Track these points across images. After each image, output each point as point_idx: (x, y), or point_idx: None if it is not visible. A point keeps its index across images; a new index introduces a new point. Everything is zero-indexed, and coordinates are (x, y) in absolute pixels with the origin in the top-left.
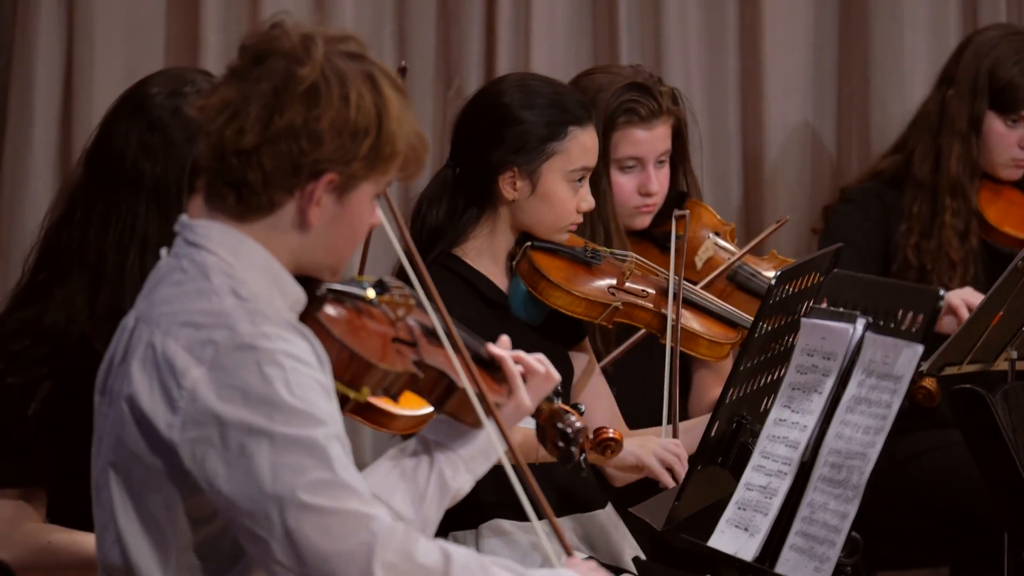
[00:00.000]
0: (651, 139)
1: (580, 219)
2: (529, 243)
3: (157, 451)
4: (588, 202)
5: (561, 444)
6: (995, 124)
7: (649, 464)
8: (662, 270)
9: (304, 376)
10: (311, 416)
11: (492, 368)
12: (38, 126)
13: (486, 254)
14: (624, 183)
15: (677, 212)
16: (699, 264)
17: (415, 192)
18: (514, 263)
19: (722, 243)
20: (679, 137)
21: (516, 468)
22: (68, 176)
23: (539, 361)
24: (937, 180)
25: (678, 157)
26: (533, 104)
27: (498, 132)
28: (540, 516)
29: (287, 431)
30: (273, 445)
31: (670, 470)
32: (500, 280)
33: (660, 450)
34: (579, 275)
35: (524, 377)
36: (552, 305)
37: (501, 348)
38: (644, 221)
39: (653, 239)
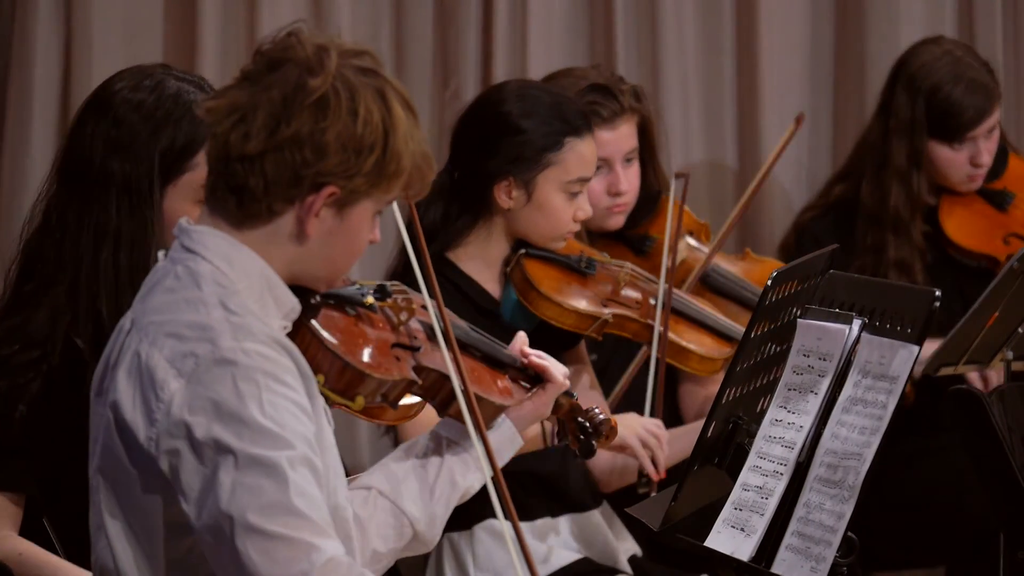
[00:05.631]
0: (615, 139)
1: (577, 227)
2: (523, 251)
3: (137, 461)
4: (585, 211)
5: (582, 437)
6: (941, 151)
7: (632, 444)
8: (654, 278)
9: (279, 396)
10: (279, 438)
11: (525, 372)
12: (36, 128)
13: (480, 260)
14: (593, 185)
15: (678, 172)
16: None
17: None
18: (508, 270)
19: (694, 243)
20: (645, 134)
21: (494, 479)
22: (43, 188)
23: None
24: (882, 214)
25: (646, 155)
26: (532, 113)
27: (495, 141)
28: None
29: (252, 451)
30: (237, 463)
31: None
32: (492, 286)
33: (643, 431)
34: (571, 286)
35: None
36: (541, 316)
37: (529, 351)
38: (618, 221)
39: (626, 241)
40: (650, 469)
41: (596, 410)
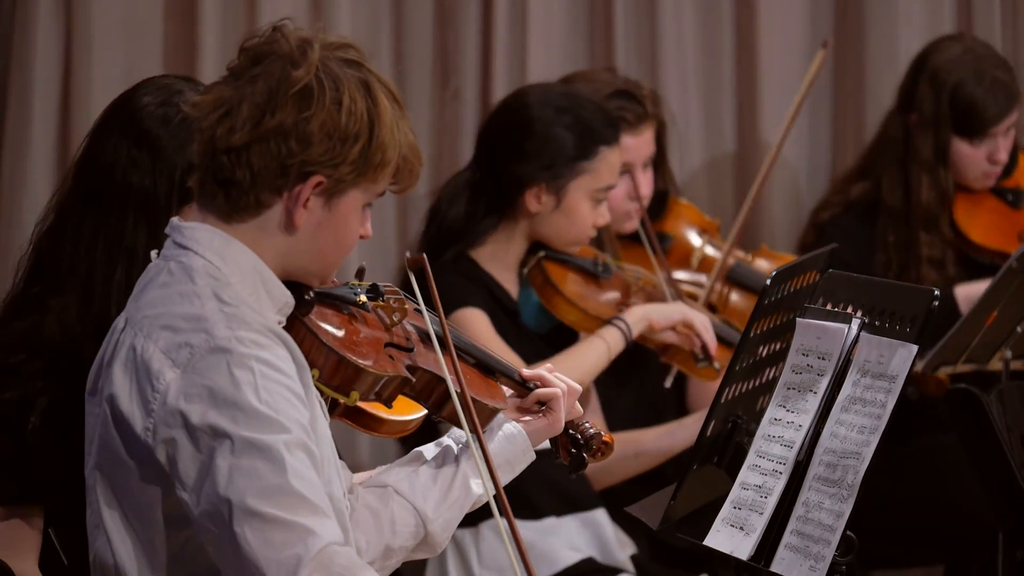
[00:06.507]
0: (639, 144)
1: (594, 234)
2: (543, 253)
3: (135, 453)
4: (605, 217)
5: (574, 451)
6: (961, 147)
7: (694, 319)
8: (666, 285)
9: (274, 382)
10: (275, 422)
11: (524, 386)
12: (36, 128)
13: (499, 261)
14: (615, 189)
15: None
16: (695, 264)
17: (415, 195)
18: (526, 272)
19: (712, 242)
20: (659, 139)
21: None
22: (59, 186)
23: (561, 378)
24: (909, 210)
25: (658, 157)
26: (561, 121)
27: (527, 147)
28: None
29: (248, 435)
30: (234, 448)
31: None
32: (511, 287)
33: (703, 314)
34: (590, 290)
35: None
36: (563, 320)
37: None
38: (633, 225)
39: (642, 242)
40: (710, 341)
41: (587, 424)
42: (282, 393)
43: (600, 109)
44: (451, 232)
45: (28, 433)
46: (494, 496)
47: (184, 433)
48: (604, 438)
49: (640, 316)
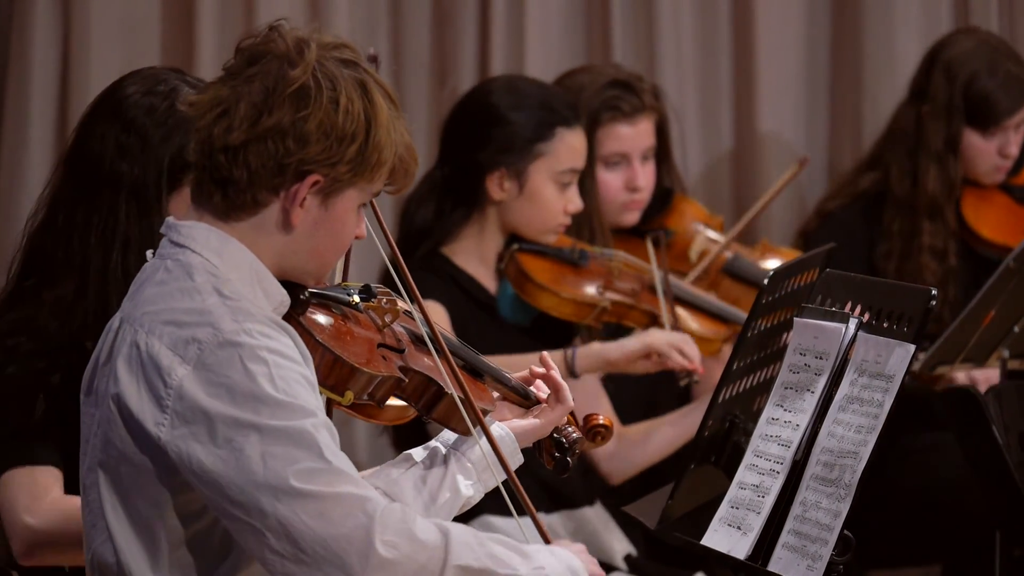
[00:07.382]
0: (635, 134)
1: (568, 221)
2: (516, 245)
3: (145, 449)
4: (576, 204)
5: (557, 455)
6: (973, 139)
7: (656, 345)
8: (647, 266)
9: (287, 370)
10: (297, 408)
11: (513, 389)
12: (34, 126)
13: (474, 255)
14: (610, 180)
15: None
16: (693, 257)
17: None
18: (501, 265)
19: (712, 235)
20: (661, 133)
21: (503, 471)
22: (49, 179)
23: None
24: (915, 199)
25: (661, 153)
26: (521, 105)
27: (486, 132)
28: (522, 513)
29: (275, 423)
30: (262, 437)
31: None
32: (488, 282)
33: (667, 335)
34: (566, 276)
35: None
36: (539, 307)
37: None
38: (633, 217)
39: (642, 236)
40: (683, 363)
41: (569, 428)
42: (297, 380)
43: (559, 93)
44: (422, 231)
45: (37, 411)
46: (504, 482)
47: (204, 430)
48: (603, 421)
49: (595, 353)
